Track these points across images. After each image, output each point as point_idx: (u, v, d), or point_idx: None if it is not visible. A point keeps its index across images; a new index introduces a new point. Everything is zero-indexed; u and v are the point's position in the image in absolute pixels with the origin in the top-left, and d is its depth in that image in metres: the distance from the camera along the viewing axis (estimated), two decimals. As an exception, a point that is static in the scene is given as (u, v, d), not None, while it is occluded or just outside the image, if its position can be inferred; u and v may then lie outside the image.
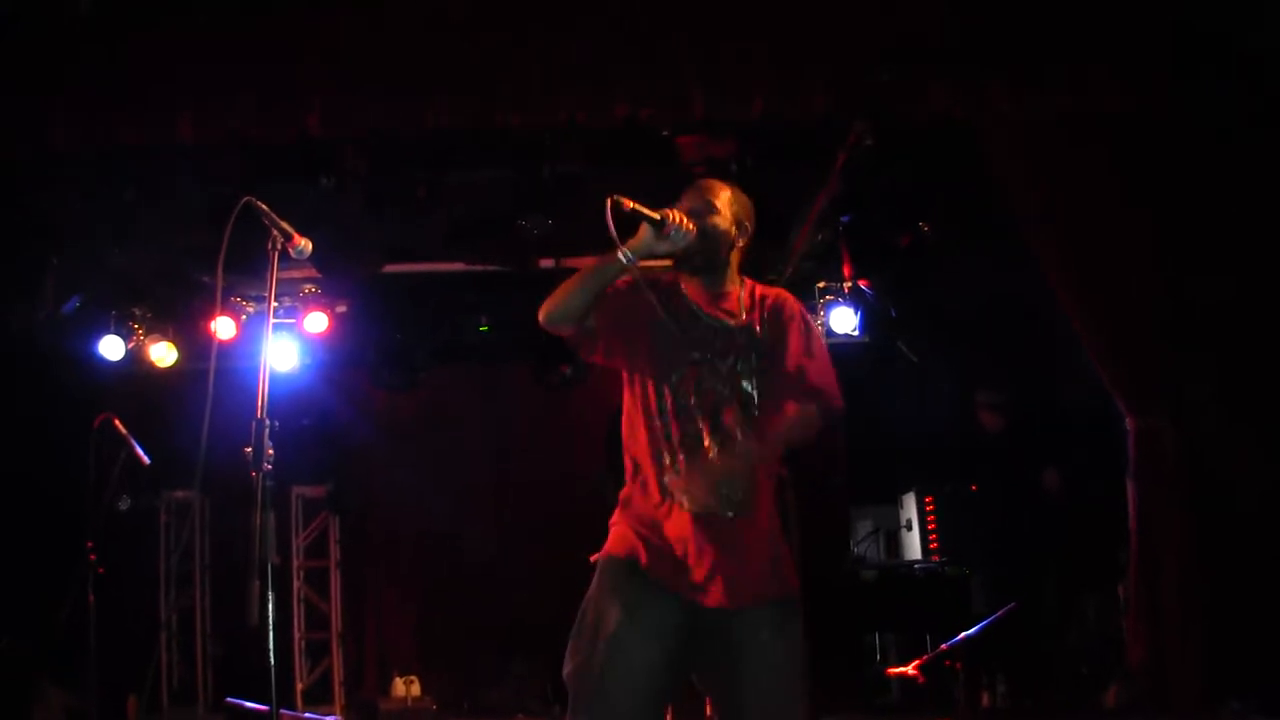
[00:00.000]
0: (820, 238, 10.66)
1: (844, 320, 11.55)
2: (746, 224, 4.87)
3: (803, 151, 9.05)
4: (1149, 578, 8.56)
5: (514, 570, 11.70)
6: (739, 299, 4.80)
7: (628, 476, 4.69)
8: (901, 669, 8.72)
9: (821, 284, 11.71)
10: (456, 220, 10.22)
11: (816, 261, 11.40)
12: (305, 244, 4.35)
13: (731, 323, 4.70)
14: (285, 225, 4.33)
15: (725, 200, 4.77)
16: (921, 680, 8.44)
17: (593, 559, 4.59)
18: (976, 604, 10.32)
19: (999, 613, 8.47)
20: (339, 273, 10.91)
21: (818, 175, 9.27)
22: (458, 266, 11.17)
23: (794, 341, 4.75)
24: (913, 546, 11.50)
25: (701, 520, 4.43)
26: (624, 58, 8.01)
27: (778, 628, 4.52)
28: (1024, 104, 8.15)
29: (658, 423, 4.58)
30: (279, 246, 4.32)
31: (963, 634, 8.30)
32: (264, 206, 4.30)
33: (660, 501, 4.52)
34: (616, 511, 4.66)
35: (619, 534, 4.56)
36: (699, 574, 4.39)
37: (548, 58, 8.00)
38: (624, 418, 4.74)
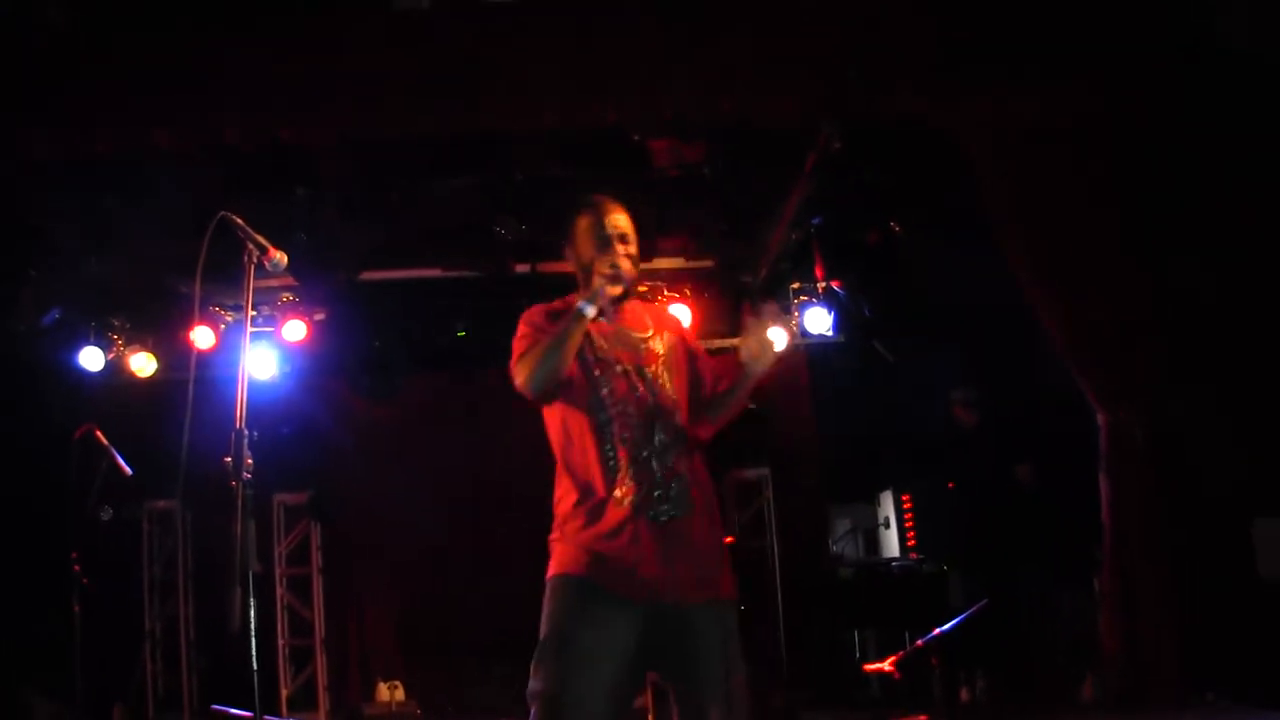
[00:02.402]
0: (793, 239, 10.73)
1: (818, 321, 11.62)
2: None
3: (773, 154, 9.11)
4: (1122, 571, 8.64)
5: (495, 573, 11.72)
6: (639, 312, 5.04)
7: (564, 494, 4.81)
8: (879, 665, 8.78)
9: (795, 285, 11.78)
10: (432, 226, 10.27)
11: (790, 262, 11.48)
12: (280, 257, 4.40)
13: (643, 334, 4.92)
14: (260, 239, 4.37)
15: (630, 224, 4.93)
16: (899, 676, 8.50)
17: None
18: (954, 600, 10.39)
19: (973, 609, 8.54)
20: (316, 280, 10.96)
21: (789, 177, 9.34)
22: (434, 272, 11.21)
23: (703, 359, 5.05)
24: (890, 544, 11.57)
25: (648, 523, 4.57)
26: (594, 62, 8.06)
27: (727, 627, 4.64)
28: (995, 106, 8.22)
29: (596, 435, 4.71)
30: (255, 260, 4.37)
31: (938, 630, 8.36)
32: (239, 221, 4.35)
33: (606, 511, 4.63)
34: (555, 529, 4.78)
35: (566, 552, 4.67)
36: (651, 574, 4.52)
37: (518, 63, 8.05)
38: (560, 439, 4.85)
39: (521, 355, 4.76)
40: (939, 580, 10.72)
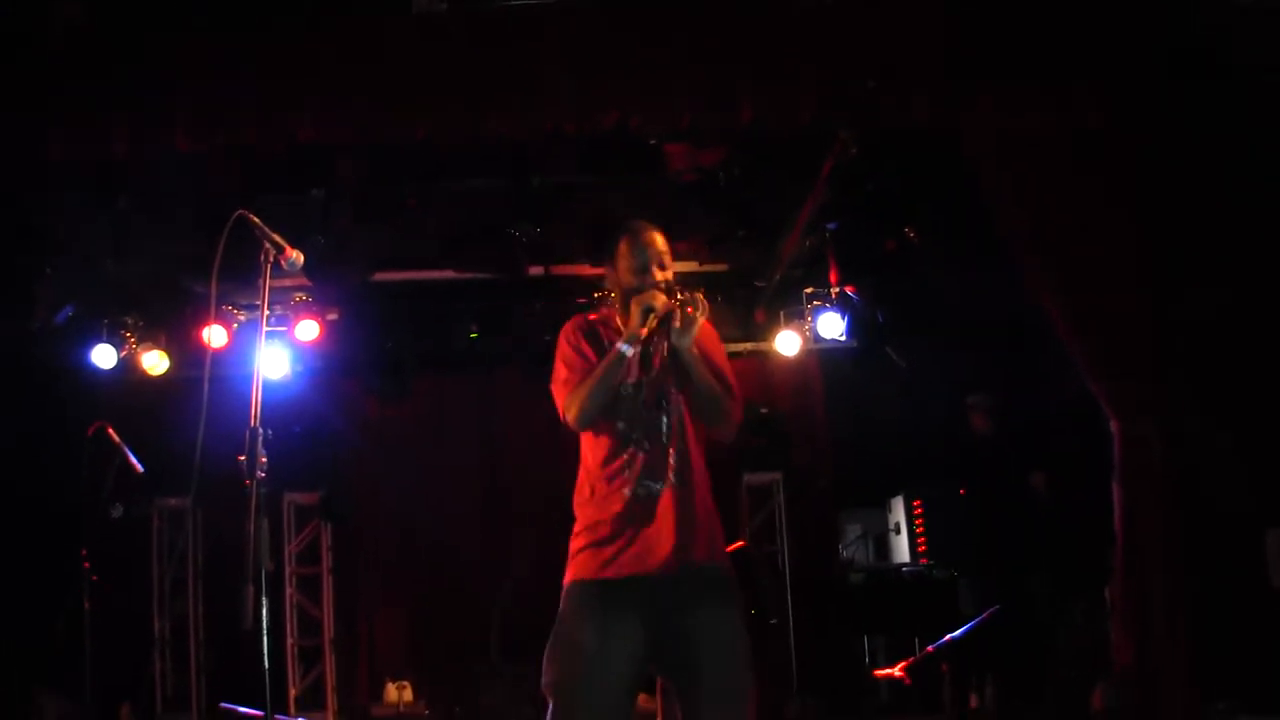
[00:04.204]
0: (807, 244, 10.72)
1: (831, 326, 11.62)
2: None
3: (789, 159, 9.10)
4: (1135, 580, 8.62)
5: (506, 574, 11.74)
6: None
7: (585, 494, 5.20)
8: (889, 671, 8.78)
9: (809, 290, 11.78)
10: (447, 228, 10.26)
11: (804, 268, 11.48)
12: (297, 256, 4.42)
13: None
14: (277, 238, 4.39)
15: (667, 249, 5.27)
16: (908, 682, 8.49)
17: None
18: (964, 606, 10.37)
19: (982, 615, 8.53)
20: (330, 281, 10.95)
21: (804, 183, 9.33)
22: (448, 274, 11.20)
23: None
24: (901, 549, 11.57)
25: (659, 495, 5.00)
26: (611, 66, 8.04)
27: (725, 600, 5.04)
28: (1009, 115, 8.19)
29: (621, 425, 5.09)
30: (271, 259, 4.38)
31: (949, 636, 8.35)
32: (256, 220, 4.36)
33: (626, 493, 5.04)
34: (575, 534, 5.19)
35: (580, 560, 5.06)
36: (656, 541, 4.95)
37: (535, 68, 8.04)
38: (587, 442, 5.25)
39: (571, 391, 5.10)
40: (950, 586, 10.70)
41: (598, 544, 5.01)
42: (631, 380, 5.08)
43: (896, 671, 8.49)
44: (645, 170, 9.22)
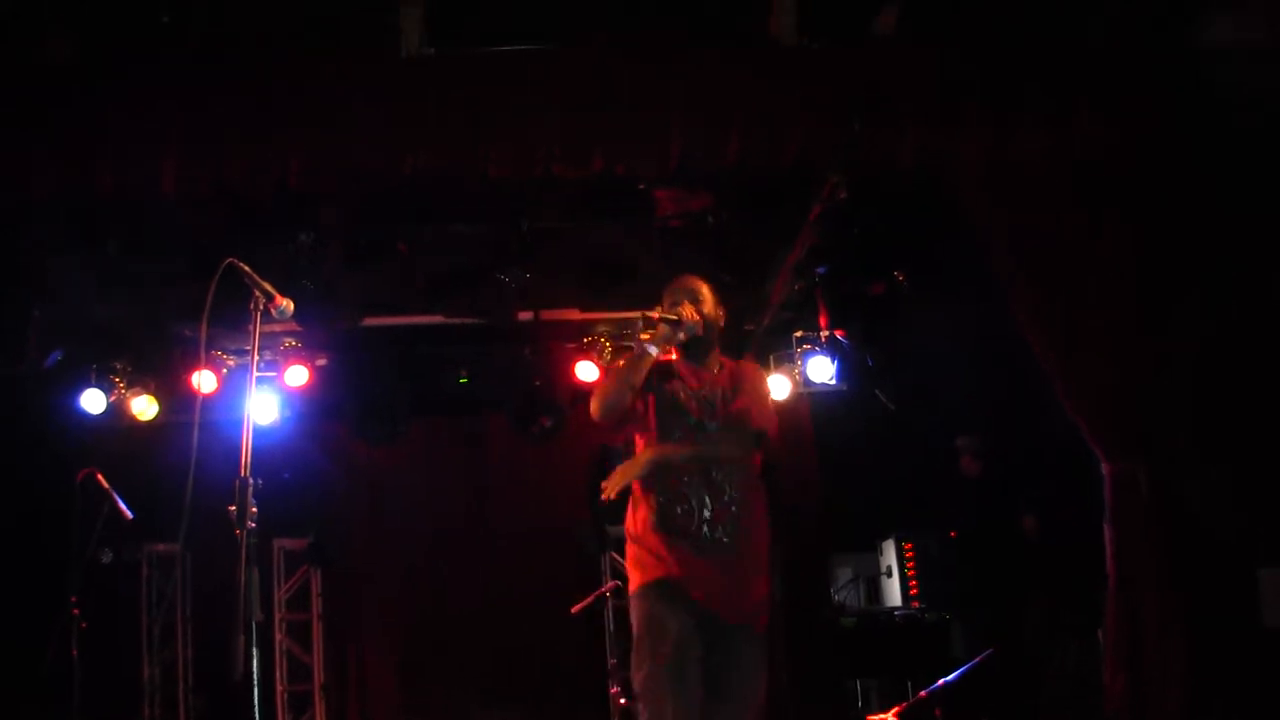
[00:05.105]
0: (797, 288, 10.73)
1: (821, 369, 11.59)
2: (721, 311, 6.11)
3: (778, 203, 9.12)
4: (1127, 622, 8.61)
5: (496, 620, 11.71)
6: (718, 374, 5.97)
7: (635, 515, 5.72)
8: (882, 716, 8.75)
9: (798, 333, 11.77)
10: (436, 273, 10.26)
11: (793, 311, 11.48)
12: (287, 304, 4.44)
13: (712, 393, 5.82)
14: (267, 286, 4.41)
15: (707, 293, 5.99)
16: (901, 727, 8.47)
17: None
18: (957, 650, 10.36)
19: (976, 659, 8.51)
20: (319, 326, 10.93)
21: (793, 226, 9.34)
22: (437, 319, 11.19)
23: (745, 391, 5.97)
24: (893, 593, 11.53)
25: (706, 552, 5.52)
26: (599, 110, 8.06)
27: (761, 651, 5.66)
28: (998, 153, 8.22)
29: (658, 466, 5.61)
30: (261, 307, 4.39)
31: (942, 680, 8.33)
32: (246, 268, 4.37)
33: (669, 540, 5.54)
34: (629, 545, 5.73)
35: (644, 563, 5.61)
36: (706, 595, 5.48)
37: (523, 111, 8.06)
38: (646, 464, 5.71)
39: (598, 387, 5.86)
40: (942, 630, 10.69)
41: (663, 565, 5.54)
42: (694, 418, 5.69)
43: (890, 717, 8.47)
44: (635, 214, 9.23)
